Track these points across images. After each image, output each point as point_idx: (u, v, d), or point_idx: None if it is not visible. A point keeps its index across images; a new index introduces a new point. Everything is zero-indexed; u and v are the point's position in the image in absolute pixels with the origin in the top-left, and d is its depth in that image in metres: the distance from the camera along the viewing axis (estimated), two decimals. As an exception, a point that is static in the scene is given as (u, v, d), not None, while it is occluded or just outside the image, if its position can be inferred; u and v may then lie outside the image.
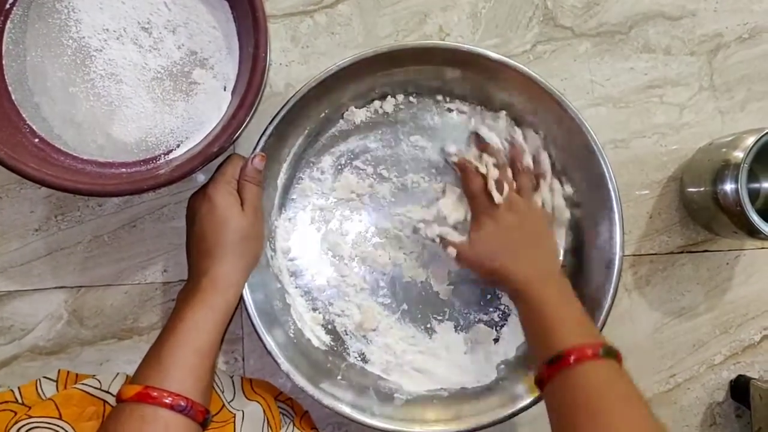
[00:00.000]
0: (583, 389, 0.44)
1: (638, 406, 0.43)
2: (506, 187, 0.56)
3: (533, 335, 0.50)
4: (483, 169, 0.57)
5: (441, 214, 0.59)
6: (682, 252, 0.65)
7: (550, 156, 0.60)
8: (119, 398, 0.43)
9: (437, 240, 0.58)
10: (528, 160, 0.58)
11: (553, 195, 0.59)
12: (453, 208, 0.59)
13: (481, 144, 0.59)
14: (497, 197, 0.55)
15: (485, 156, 0.58)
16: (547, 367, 0.46)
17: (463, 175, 0.58)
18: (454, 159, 0.59)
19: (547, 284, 0.51)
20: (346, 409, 0.55)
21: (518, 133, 0.59)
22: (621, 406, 0.43)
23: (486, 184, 0.56)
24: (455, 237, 0.57)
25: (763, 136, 0.55)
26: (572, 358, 0.44)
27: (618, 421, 0.42)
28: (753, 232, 0.56)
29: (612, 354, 0.46)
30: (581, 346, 0.45)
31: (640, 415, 0.43)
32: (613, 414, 0.42)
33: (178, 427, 0.42)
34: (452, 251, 0.56)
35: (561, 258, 0.60)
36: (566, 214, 0.60)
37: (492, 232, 0.55)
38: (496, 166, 0.57)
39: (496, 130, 0.59)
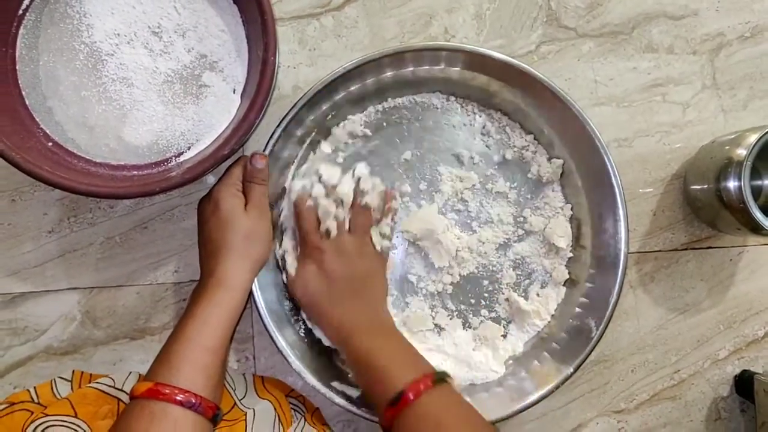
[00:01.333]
0: (423, 420, 0.45)
1: (472, 418, 0.46)
2: (335, 227, 0.55)
3: (366, 383, 0.51)
4: (315, 205, 0.55)
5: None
6: (686, 249, 0.66)
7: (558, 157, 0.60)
8: (132, 395, 0.44)
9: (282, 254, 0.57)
10: (369, 199, 0.56)
11: (391, 228, 0.58)
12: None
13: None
14: (329, 227, 0.54)
15: (319, 190, 0.56)
16: (389, 409, 0.46)
17: (296, 211, 0.56)
18: (293, 197, 0.57)
19: (370, 333, 0.52)
20: (356, 408, 0.56)
21: (366, 172, 0.58)
22: (458, 422, 0.45)
23: (316, 222, 0.55)
24: (289, 263, 0.56)
25: (765, 133, 0.55)
26: (410, 395, 0.46)
27: None
28: (756, 229, 0.57)
29: (442, 379, 0.48)
30: (415, 381, 0.46)
31: (477, 426, 0.46)
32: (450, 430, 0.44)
33: (187, 423, 0.43)
34: (284, 276, 0.57)
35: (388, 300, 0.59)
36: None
37: (316, 276, 0.54)
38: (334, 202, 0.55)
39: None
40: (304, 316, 0.59)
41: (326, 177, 0.56)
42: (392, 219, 0.58)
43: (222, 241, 0.51)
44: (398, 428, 0.46)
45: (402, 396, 0.46)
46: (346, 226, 0.55)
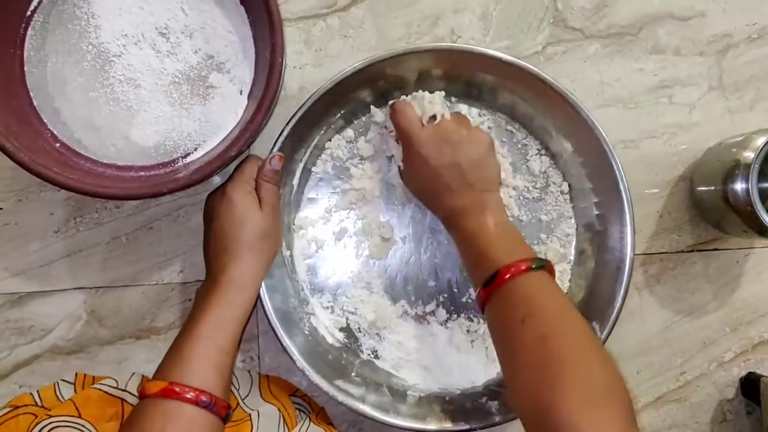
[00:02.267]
0: (516, 300, 0.46)
1: (567, 307, 0.46)
2: (438, 115, 0.54)
3: (469, 262, 0.52)
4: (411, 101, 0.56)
5: None
6: (692, 251, 0.66)
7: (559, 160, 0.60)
8: (143, 394, 0.44)
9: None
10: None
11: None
12: None
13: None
14: (433, 120, 0.54)
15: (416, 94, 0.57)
16: (485, 289, 0.47)
17: (393, 112, 0.55)
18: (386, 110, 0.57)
19: (478, 213, 0.52)
20: (361, 406, 0.56)
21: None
22: (549, 307, 0.45)
23: (415, 114, 0.54)
24: (398, 157, 0.57)
25: (773, 136, 0.55)
26: (507, 275, 0.46)
27: (547, 319, 0.44)
28: (763, 231, 0.57)
29: (542, 266, 0.48)
30: (514, 263, 0.46)
31: (569, 314, 0.45)
32: (545, 314, 0.44)
33: (202, 422, 0.43)
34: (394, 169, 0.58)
35: (502, 176, 0.59)
36: None
37: (423, 166, 0.53)
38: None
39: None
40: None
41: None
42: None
43: (236, 238, 0.51)
44: (491, 309, 0.47)
45: (498, 274, 0.46)
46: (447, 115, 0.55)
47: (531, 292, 0.46)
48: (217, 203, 0.53)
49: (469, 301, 0.62)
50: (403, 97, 0.59)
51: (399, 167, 0.58)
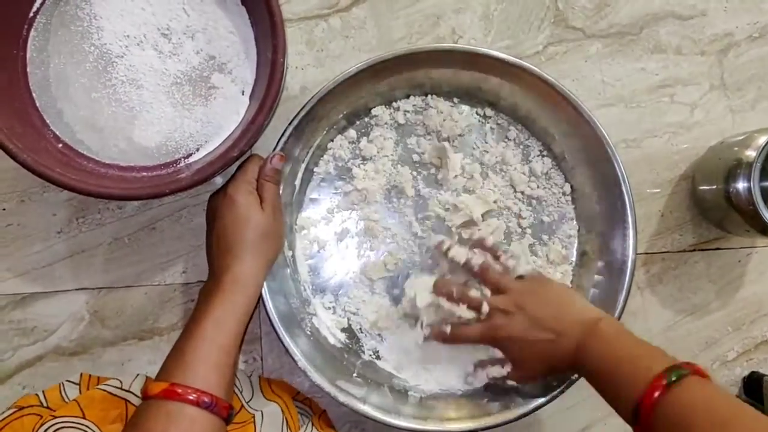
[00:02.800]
0: (707, 407, 0.40)
1: (755, 414, 0.40)
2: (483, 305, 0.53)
3: (613, 375, 0.46)
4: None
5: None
6: (694, 250, 0.66)
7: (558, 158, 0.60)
8: (145, 395, 0.44)
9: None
10: (490, 243, 0.57)
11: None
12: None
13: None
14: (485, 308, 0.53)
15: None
16: (654, 387, 0.42)
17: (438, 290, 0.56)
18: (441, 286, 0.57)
19: (596, 334, 0.48)
20: (362, 407, 0.56)
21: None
22: (741, 413, 0.40)
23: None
24: (498, 371, 0.55)
25: (775, 135, 0.55)
26: (692, 371, 0.42)
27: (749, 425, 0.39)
28: (765, 230, 0.57)
29: (681, 374, 0.43)
30: (646, 391, 0.42)
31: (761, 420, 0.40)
32: (736, 421, 0.39)
33: (203, 423, 0.43)
34: (511, 383, 0.56)
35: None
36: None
37: (518, 343, 0.52)
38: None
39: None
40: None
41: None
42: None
43: (238, 238, 0.51)
44: (665, 410, 0.41)
45: (639, 411, 0.42)
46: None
47: (707, 397, 0.41)
48: (220, 203, 0.53)
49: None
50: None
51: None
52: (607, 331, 0.48)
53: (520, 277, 0.56)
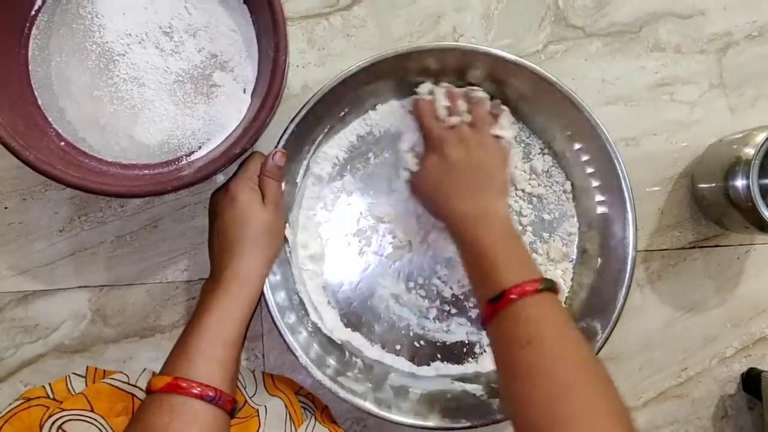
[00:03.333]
0: (521, 322, 0.45)
1: (572, 332, 0.46)
2: (456, 117, 0.55)
3: (475, 275, 0.50)
4: (434, 100, 0.56)
5: None
6: (693, 247, 0.66)
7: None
8: (149, 389, 0.44)
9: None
10: (482, 94, 0.57)
11: (512, 127, 0.59)
12: None
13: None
14: (451, 120, 0.54)
15: (438, 88, 0.57)
16: (490, 305, 0.47)
17: (416, 109, 0.56)
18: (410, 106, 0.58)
19: (487, 224, 0.51)
20: (363, 403, 0.56)
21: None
22: (554, 332, 0.45)
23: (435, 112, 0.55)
24: (410, 162, 0.57)
25: (773, 132, 0.56)
26: (512, 295, 0.46)
27: (551, 345, 0.44)
28: (764, 227, 0.57)
29: (550, 287, 0.47)
30: (522, 284, 0.46)
31: (573, 340, 0.45)
32: (545, 339, 0.44)
33: (207, 416, 0.43)
34: (405, 174, 0.57)
35: (508, 193, 0.59)
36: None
37: (437, 166, 0.54)
38: (450, 96, 0.57)
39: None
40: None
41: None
42: (509, 120, 0.59)
43: (239, 234, 0.51)
44: (494, 326, 0.46)
45: (505, 294, 0.46)
46: (467, 119, 0.56)
47: (538, 315, 0.45)
48: (221, 200, 0.53)
49: (470, 303, 0.62)
50: (429, 86, 0.58)
51: (407, 169, 0.58)
52: (499, 226, 0.51)
53: (497, 137, 0.57)
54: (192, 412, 0.42)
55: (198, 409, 0.42)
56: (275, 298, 0.56)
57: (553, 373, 0.42)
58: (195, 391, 0.43)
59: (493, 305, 0.46)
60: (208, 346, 0.45)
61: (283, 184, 0.57)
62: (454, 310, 0.62)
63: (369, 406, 0.56)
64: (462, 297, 0.62)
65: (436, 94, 0.57)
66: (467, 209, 0.52)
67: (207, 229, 0.57)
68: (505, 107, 0.59)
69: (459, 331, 0.62)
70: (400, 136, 0.60)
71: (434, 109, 0.56)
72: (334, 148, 0.62)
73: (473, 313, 0.62)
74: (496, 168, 0.54)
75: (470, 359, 0.61)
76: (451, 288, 0.62)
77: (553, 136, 0.62)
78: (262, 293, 0.55)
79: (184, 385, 0.43)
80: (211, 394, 0.43)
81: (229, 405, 0.44)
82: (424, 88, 0.59)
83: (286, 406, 0.54)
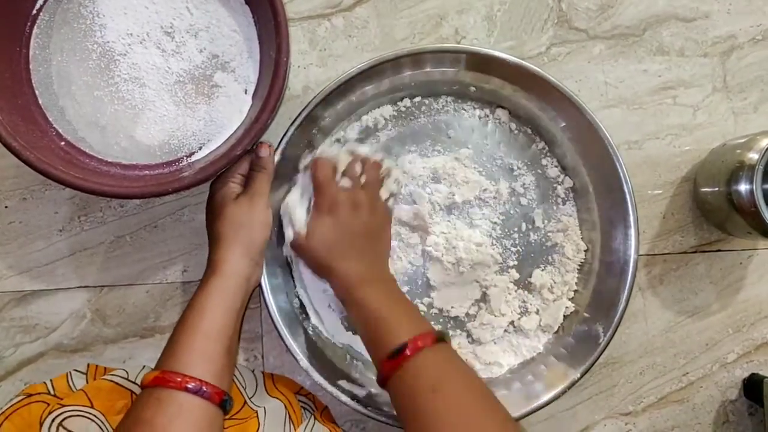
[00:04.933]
0: (423, 373, 0.45)
1: (473, 379, 0.47)
2: (348, 180, 0.55)
3: (368, 336, 0.51)
4: (333, 162, 0.56)
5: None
6: (695, 251, 0.66)
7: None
8: (141, 385, 0.45)
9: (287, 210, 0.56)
10: (377, 156, 0.57)
11: (398, 184, 0.59)
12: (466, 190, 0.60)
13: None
14: (345, 183, 0.55)
15: (341, 150, 0.57)
16: (387, 363, 0.47)
17: (313, 166, 0.56)
18: (307, 162, 0.58)
19: (375, 285, 0.52)
20: (364, 408, 0.56)
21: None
22: (458, 379, 0.46)
23: (333, 174, 0.55)
24: (298, 220, 0.55)
25: (777, 137, 0.55)
26: (408, 350, 0.46)
27: (456, 391, 0.44)
28: (767, 233, 0.57)
29: (442, 338, 0.48)
30: (414, 338, 0.47)
31: (477, 386, 0.46)
32: (450, 386, 0.45)
33: (192, 408, 0.43)
34: (289, 234, 0.55)
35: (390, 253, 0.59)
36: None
37: (330, 226, 0.54)
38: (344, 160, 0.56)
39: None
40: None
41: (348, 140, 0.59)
42: (395, 180, 0.58)
43: (215, 230, 0.53)
44: (395, 383, 0.46)
45: (402, 350, 0.46)
46: (361, 181, 0.56)
47: (439, 365, 0.46)
48: (207, 201, 0.56)
49: (465, 314, 0.62)
50: (323, 150, 0.58)
51: (294, 226, 0.56)
52: (385, 285, 0.53)
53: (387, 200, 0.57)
54: (176, 404, 0.43)
55: (183, 400, 0.43)
56: (275, 301, 0.56)
57: (462, 418, 0.43)
58: (180, 384, 0.43)
59: (392, 361, 0.46)
60: (190, 340, 0.46)
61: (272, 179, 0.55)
62: (451, 323, 0.62)
63: (369, 410, 0.56)
64: (464, 315, 0.61)
65: (340, 156, 0.56)
66: (356, 270, 0.52)
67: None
68: (395, 165, 0.60)
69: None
70: (290, 189, 0.58)
71: (333, 170, 0.55)
72: (335, 149, 0.61)
73: (470, 326, 0.61)
74: (382, 229, 0.56)
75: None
76: (453, 307, 0.61)
77: (554, 139, 0.61)
78: (262, 296, 0.55)
79: (170, 378, 0.43)
80: (195, 385, 0.43)
81: (217, 397, 0.44)
82: (325, 146, 0.59)
83: (285, 407, 0.53)
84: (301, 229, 0.54)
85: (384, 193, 0.57)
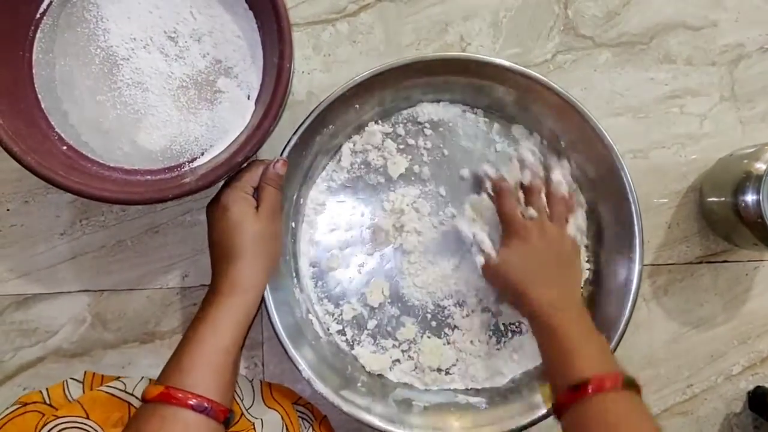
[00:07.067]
0: (600, 418, 0.44)
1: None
2: (537, 211, 0.56)
3: (552, 361, 0.50)
4: (516, 189, 0.57)
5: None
6: (700, 262, 0.65)
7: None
8: (143, 398, 0.44)
9: (472, 238, 0.58)
10: (563, 190, 0.57)
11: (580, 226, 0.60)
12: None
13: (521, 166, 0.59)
14: (532, 213, 0.55)
15: (520, 174, 0.58)
16: (566, 394, 0.46)
17: (498, 195, 0.57)
18: (491, 176, 0.58)
19: (568, 312, 0.51)
20: (367, 417, 0.56)
21: (555, 161, 0.59)
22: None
23: (517, 203, 0.56)
24: (488, 246, 0.56)
25: (785, 148, 0.55)
26: (590, 387, 0.45)
27: None
28: (774, 244, 0.56)
29: (632, 386, 0.46)
30: (601, 376, 0.45)
31: None
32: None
33: (198, 427, 0.43)
34: (480, 260, 0.56)
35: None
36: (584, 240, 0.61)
37: (521, 254, 0.54)
38: (530, 188, 0.57)
39: (536, 156, 0.59)
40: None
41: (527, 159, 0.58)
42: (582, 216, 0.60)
43: (232, 243, 0.51)
44: (572, 415, 0.46)
45: (585, 384, 0.45)
46: (546, 212, 0.56)
47: (622, 411, 0.45)
48: (214, 210, 0.53)
49: (461, 317, 0.61)
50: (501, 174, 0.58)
51: (484, 252, 0.57)
52: (580, 315, 0.52)
53: None
54: (182, 422, 0.42)
55: (189, 419, 0.42)
56: (278, 312, 0.56)
57: None
58: (187, 402, 0.42)
59: (573, 393, 0.45)
60: (202, 356, 0.45)
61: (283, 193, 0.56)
62: (454, 324, 0.61)
63: (372, 419, 0.56)
64: (461, 312, 0.61)
65: (524, 189, 0.57)
66: (548, 297, 0.52)
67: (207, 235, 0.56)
68: (584, 204, 0.61)
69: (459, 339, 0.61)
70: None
71: (516, 199, 0.56)
72: (340, 156, 0.61)
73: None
74: (572, 260, 0.56)
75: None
76: (451, 303, 0.61)
77: (560, 147, 0.61)
78: (264, 305, 0.54)
79: (178, 395, 0.42)
80: (202, 404, 0.43)
81: (222, 415, 0.44)
82: (495, 173, 0.58)
83: (282, 418, 0.53)
84: (491, 254, 0.55)
85: (571, 230, 0.57)
